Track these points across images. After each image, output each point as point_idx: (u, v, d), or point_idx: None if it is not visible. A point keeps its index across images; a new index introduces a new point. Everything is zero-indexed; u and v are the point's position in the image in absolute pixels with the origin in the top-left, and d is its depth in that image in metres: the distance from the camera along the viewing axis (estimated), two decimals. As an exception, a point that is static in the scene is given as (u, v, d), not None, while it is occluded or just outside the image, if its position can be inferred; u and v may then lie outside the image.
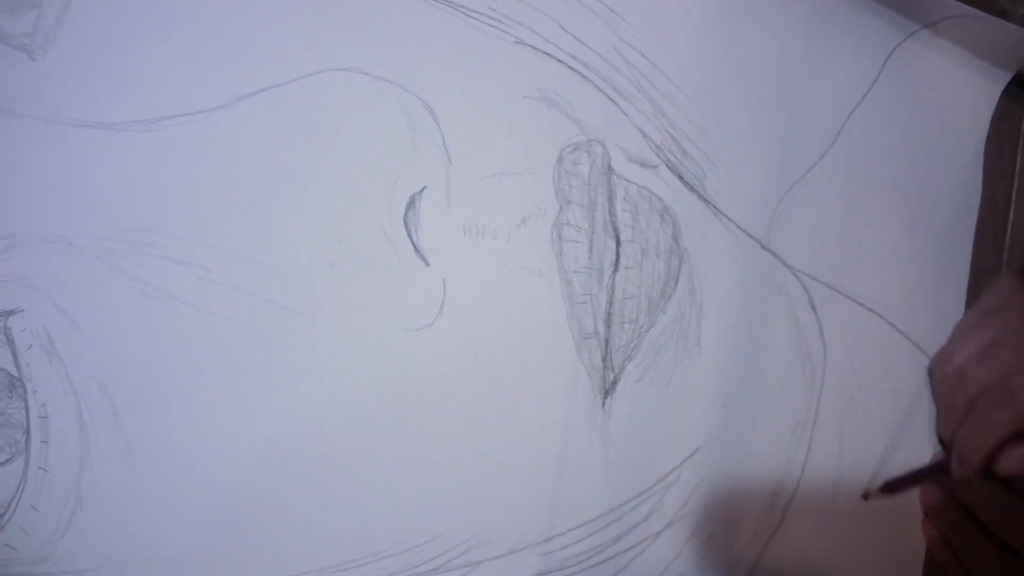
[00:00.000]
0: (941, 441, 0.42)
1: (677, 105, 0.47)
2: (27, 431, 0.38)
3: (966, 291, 0.52)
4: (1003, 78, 0.51)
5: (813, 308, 0.48)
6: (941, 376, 0.41)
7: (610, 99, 0.46)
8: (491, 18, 0.44)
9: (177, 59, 0.40)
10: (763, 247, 0.48)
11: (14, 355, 0.38)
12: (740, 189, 0.47)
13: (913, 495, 0.45)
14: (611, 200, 0.45)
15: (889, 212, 0.48)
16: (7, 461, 0.38)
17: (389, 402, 0.42)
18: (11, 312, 0.38)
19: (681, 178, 0.47)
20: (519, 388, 0.44)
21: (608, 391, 0.45)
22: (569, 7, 0.45)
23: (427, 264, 0.43)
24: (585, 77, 0.46)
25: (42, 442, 0.38)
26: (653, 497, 0.46)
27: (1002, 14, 0.49)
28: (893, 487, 0.45)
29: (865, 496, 0.46)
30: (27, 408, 0.38)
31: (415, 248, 0.43)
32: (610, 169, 0.45)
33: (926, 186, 0.51)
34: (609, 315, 0.45)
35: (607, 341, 0.45)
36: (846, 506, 0.48)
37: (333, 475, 0.41)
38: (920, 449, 0.50)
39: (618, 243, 0.45)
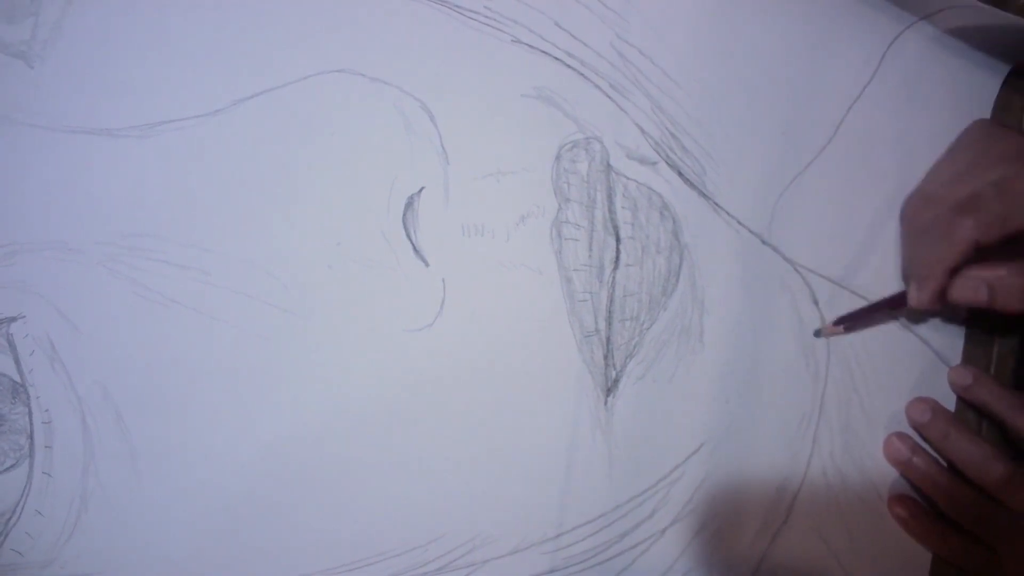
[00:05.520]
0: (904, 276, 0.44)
1: (675, 101, 0.47)
2: (31, 436, 0.38)
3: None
4: (1003, 69, 0.50)
5: (815, 302, 0.48)
6: (909, 204, 0.45)
7: (608, 96, 0.46)
8: (487, 17, 0.44)
9: (174, 64, 0.40)
10: (764, 242, 0.47)
11: (16, 361, 0.38)
12: (740, 184, 0.47)
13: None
14: (610, 197, 0.45)
15: (890, 205, 0.48)
16: (12, 466, 0.38)
17: (390, 403, 0.42)
18: (13, 318, 0.38)
19: (680, 174, 0.47)
20: (521, 387, 0.44)
21: (610, 389, 0.45)
22: (565, 4, 0.45)
23: (426, 264, 0.43)
24: (582, 74, 0.46)
25: (46, 447, 0.38)
26: (658, 494, 0.45)
27: (1001, 4, 0.49)
28: (849, 321, 0.47)
29: (818, 333, 0.47)
30: (30, 414, 0.38)
31: (414, 249, 0.43)
32: (609, 166, 0.45)
33: (928, 178, 0.51)
34: (610, 313, 0.45)
35: (608, 339, 0.45)
36: (852, 500, 0.48)
37: (336, 476, 0.42)
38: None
39: (618, 240, 0.45)
